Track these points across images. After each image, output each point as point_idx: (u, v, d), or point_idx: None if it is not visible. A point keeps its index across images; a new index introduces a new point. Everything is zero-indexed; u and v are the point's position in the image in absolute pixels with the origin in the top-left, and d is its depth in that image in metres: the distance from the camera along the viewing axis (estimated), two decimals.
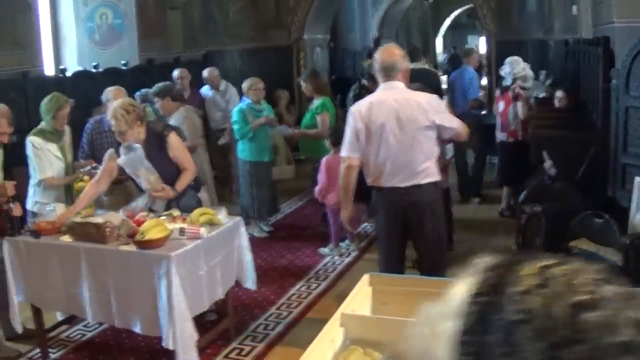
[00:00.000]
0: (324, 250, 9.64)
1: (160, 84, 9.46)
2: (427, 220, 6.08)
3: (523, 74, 10.76)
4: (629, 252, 5.85)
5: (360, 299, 3.24)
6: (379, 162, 6.01)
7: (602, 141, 7.79)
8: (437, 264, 6.15)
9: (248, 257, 6.95)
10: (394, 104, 5.93)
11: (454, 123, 6.16)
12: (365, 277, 3.35)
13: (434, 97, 6.19)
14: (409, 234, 6.22)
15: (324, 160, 9.27)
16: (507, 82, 10.90)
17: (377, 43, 21.41)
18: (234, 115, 10.08)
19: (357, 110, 6.07)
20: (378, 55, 6.16)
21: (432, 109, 5.95)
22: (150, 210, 6.84)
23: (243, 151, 10.16)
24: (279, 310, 7.75)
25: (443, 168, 7.25)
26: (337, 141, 9.12)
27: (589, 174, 7.96)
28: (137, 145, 6.66)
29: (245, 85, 10.23)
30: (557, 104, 9.94)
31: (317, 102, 10.14)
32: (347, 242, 9.76)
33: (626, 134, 7.31)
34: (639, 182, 6.88)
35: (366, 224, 10.24)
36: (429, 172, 6.00)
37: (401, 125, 5.89)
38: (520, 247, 7.63)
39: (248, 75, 11.19)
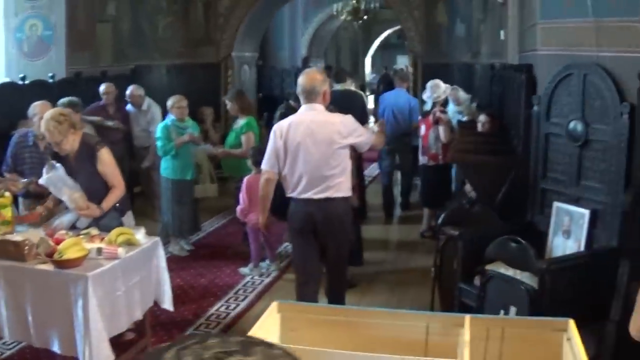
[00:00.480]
0: (244, 270, 9.63)
1: (67, 99, 9.42)
2: (336, 232, 6.75)
3: (444, 97, 10.94)
4: (545, 277, 5.93)
5: (267, 326, 3.26)
6: (296, 177, 6.62)
7: (522, 166, 7.90)
8: (338, 278, 7.07)
9: (166, 277, 6.91)
10: (312, 125, 6.58)
11: (366, 137, 6.84)
12: (274, 305, 3.37)
13: (347, 118, 6.75)
14: (321, 246, 6.82)
15: (245, 179, 9.32)
16: (427, 106, 11.08)
17: (306, 62, 21.54)
18: (158, 132, 10.04)
19: (278, 128, 6.70)
20: (300, 80, 6.73)
21: (346, 130, 6.61)
22: (73, 226, 6.79)
23: (166, 169, 10.12)
24: (197, 330, 7.74)
25: (354, 187, 7.45)
26: (259, 161, 9.15)
27: (508, 198, 8.06)
28: (58, 164, 6.63)
29: (169, 102, 10.23)
30: (480, 128, 10.03)
31: (242, 121, 10.15)
32: (267, 262, 9.78)
33: (546, 160, 7.43)
34: (557, 207, 7.01)
35: (287, 243, 10.23)
36: (340, 187, 6.65)
37: (316, 144, 6.53)
38: (437, 269, 7.72)
39: (176, 90, 11.19)
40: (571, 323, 3.33)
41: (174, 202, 10.15)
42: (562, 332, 3.31)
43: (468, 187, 8.87)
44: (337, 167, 6.57)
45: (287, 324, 3.37)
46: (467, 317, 3.23)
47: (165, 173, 10.14)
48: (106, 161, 6.85)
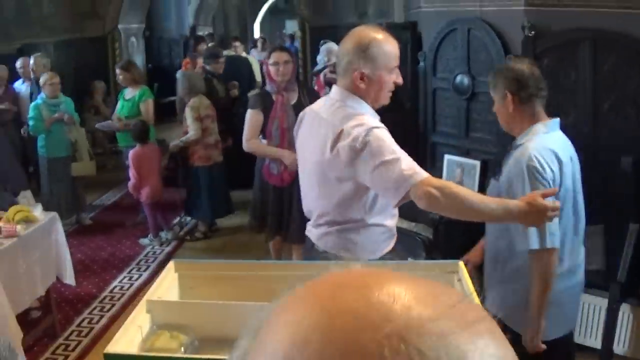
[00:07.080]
0: (144, 240, 9.65)
1: None
2: None
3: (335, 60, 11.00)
4: (438, 227, 6.10)
5: (166, 285, 3.34)
6: None
7: (411, 121, 8.05)
8: None
9: (66, 252, 6.91)
10: (314, 119, 3.99)
11: (388, 173, 3.56)
12: (171, 264, 3.45)
13: (366, 128, 3.68)
14: None
15: (130, 154, 9.27)
16: (318, 67, 11.17)
17: (194, 31, 21.39)
18: (30, 111, 9.77)
19: None
20: None
21: (348, 145, 3.65)
22: None
23: (41, 147, 9.91)
24: (102, 303, 7.74)
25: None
26: (141, 136, 9.13)
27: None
28: None
29: (41, 80, 9.95)
30: None
31: (137, 91, 9.99)
32: (165, 231, 9.81)
33: (434, 114, 7.61)
34: (449, 160, 7.19)
35: (183, 213, 10.33)
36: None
37: (310, 149, 4.24)
38: None
39: (65, 67, 11.02)
40: (461, 264, 3.48)
41: (51, 180, 9.93)
42: (454, 274, 3.46)
43: None
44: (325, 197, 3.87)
45: (186, 282, 3.45)
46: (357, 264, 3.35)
47: (41, 152, 9.93)
48: None
